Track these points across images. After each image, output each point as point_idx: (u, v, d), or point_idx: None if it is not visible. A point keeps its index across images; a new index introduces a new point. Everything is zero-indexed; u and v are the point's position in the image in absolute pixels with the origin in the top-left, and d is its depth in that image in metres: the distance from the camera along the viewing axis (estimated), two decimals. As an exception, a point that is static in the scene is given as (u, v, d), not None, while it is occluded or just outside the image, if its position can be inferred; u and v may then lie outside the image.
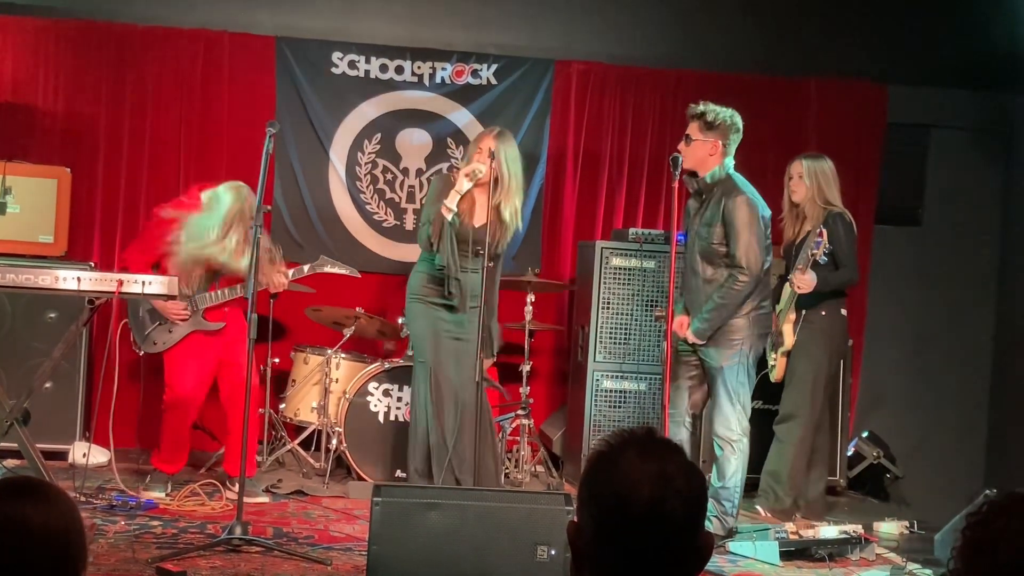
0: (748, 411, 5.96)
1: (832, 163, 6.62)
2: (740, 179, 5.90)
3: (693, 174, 5.93)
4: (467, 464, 6.01)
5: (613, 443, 2.02)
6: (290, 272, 6.33)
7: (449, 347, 6.11)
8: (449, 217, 5.99)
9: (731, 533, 5.92)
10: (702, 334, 5.84)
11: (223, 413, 6.38)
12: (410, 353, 6.91)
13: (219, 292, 6.24)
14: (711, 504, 5.76)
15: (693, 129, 5.87)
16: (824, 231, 6.21)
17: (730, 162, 5.91)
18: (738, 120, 5.88)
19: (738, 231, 5.74)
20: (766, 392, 6.97)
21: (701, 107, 5.86)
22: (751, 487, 7.00)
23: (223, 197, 6.18)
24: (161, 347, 6.28)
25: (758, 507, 6.38)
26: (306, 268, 6.42)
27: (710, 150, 5.84)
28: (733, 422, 5.88)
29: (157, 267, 6.23)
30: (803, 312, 6.50)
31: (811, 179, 6.55)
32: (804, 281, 6.33)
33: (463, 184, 6.02)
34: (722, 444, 5.90)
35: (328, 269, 6.49)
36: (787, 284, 6.51)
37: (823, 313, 6.55)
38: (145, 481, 6.33)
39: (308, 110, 7.70)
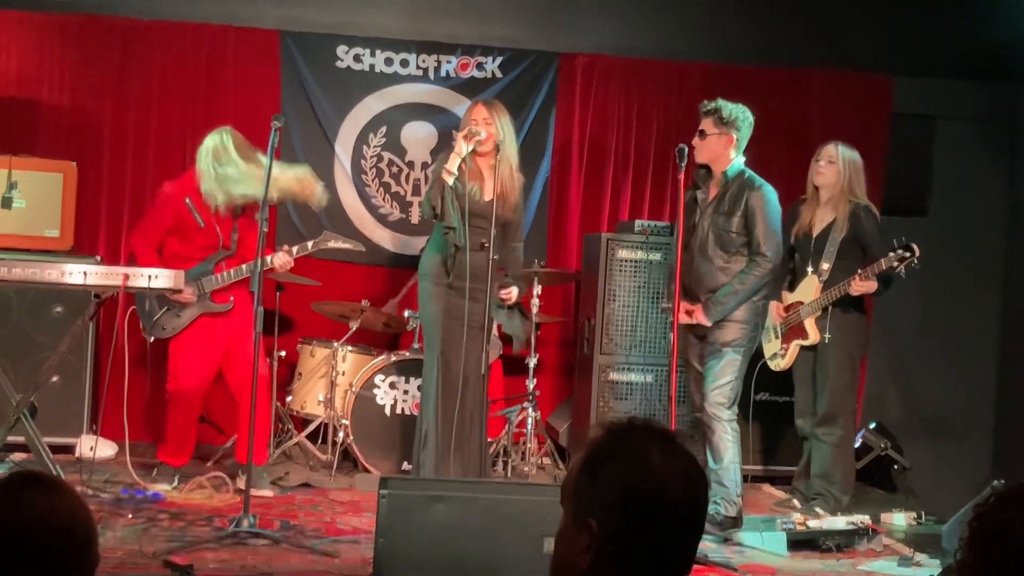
0: (738, 395, 6.01)
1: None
2: (755, 175, 6.01)
3: (706, 167, 6.03)
4: (462, 456, 5.99)
5: (629, 442, 1.98)
6: (294, 249, 6.32)
7: (458, 332, 5.96)
8: (450, 181, 5.89)
9: (739, 517, 5.92)
10: (714, 317, 5.93)
11: (234, 404, 6.37)
12: (416, 346, 6.92)
13: (225, 274, 6.23)
14: (714, 488, 5.81)
15: (707, 124, 5.99)
16: (918, 250, 6.11)
17: (742, 158, 6.02)
18: (750, 116, 6.01)
19: (761, 221, 5.88)
20: (772, 384, 6.96)
21: (715, 103, 5.99)
22: (783, 481, 7.02)
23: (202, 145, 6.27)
24: (170, 332, 6.27)
25: (818, 509, 6.31)
26: (310, 244, 6.37)
27: (724, 144, 5.97)
28: (729, 402, 5.95)
29: (161, 249, 6.25)
30: (829, 308, 6.44)
31: (845, 167, 6.45)
32: (865, 287, 6.28)
33: (462, 146, 5.92)
34: (715, 424, 5.93)
35: (332, 244, 6.45)
36: (812, 277, 6.48)
37: (852, 310, 6.51)
38: (152, 474, 6.34)
39: (313, 104, 7.70)
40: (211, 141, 6.20)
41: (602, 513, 1.93)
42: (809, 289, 6.49)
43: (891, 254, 6.15)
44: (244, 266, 6.21)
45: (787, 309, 6.58)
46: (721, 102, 5.98)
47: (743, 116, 5.97)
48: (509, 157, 6.07)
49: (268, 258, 6.17)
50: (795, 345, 6.54)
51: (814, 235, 6.52)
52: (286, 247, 6.32)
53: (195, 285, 6.19)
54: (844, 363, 6.50)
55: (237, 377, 6.23)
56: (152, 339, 6.34)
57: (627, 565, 1.93)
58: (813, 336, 6.46)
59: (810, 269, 6.50)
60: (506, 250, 6.17)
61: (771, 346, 6.64)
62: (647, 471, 1.93)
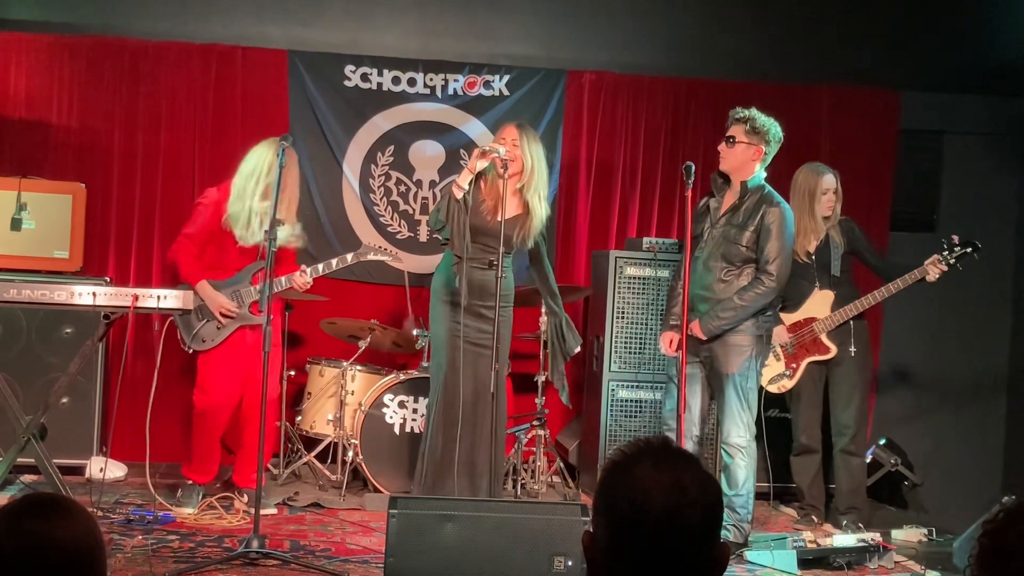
0: (755, 417, 5.93)
1: None
2: (775, 192, 5.93)
3: (724, 176, 5.96)
4: (470, 479, 5.97)
5: (628, 453, 2.03)
6: (320, 267, 6.35)
7: (467, 352, 5.95)
8: (459, 195, 5.86)
9: (747, 541, 5.91)
10: (710, 331, 5.80)
11: (237, 424, 6.38)
12: (425, 364, 6.92)
13: (263, 285, 6.24)
14: (726, 513, 5.75)
15: (739, 132, 5.87)
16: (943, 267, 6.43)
17: (763, 172, 5.94)
18: (780, 133, 5.92)
19: (775, 240, 5.77)
20: (781, 401, 6.95)
21: (749, 111, 5.89)
22: (791, 498, 7.02)
23: (251, 153, 6.28)
24: (210, 344, 6.27)
25: (848, 525, 6.39)
26: (349, 257, 6.42)
27: (753, 155, 5.87)
28: (743, 428, 5.86)
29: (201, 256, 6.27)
30: (851, 323, 6.54)
31: (839, 192, 6.61)
32: (939, 271, 6.53)
33: (476, 163, 5.86)
34: (732, 452, 5.86)
35: (372, 257, 6.49)
36: (825, 292, 6.54)
37: (865, 323, 6.64)
38: (176, 495, 6.34)
39: (321, 123, 7.72)
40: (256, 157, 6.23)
41: (594, 523, 2.04)
42: (822, 304, 6.51)
43: (946, 252, 6.46)
44: (283, 278, 6.25)
45: (794, 327, 6.57)
46: (755, 111, 5.87)
47: (775, 131, 5.87)
48: (537, 186, 6.00)
49: (283, 279, 6.21)
50: (806, 363, 6.54)
51: (812, 253, 6.56)
52: (303, 268, 6.32)
53: (234, 297, 6.21)
54: (867, 375, 6.68)
55: (248, 399, 6.25)
56: (192, 351, 6.33)
57: (617, 575, 1.99)
58: (833, 350, 6.49)
59: (817, 286, 6.53)
60: (543, 284, 6.28)
61: (771, 369, 6.59)
62: (629, 482, 1.98)
